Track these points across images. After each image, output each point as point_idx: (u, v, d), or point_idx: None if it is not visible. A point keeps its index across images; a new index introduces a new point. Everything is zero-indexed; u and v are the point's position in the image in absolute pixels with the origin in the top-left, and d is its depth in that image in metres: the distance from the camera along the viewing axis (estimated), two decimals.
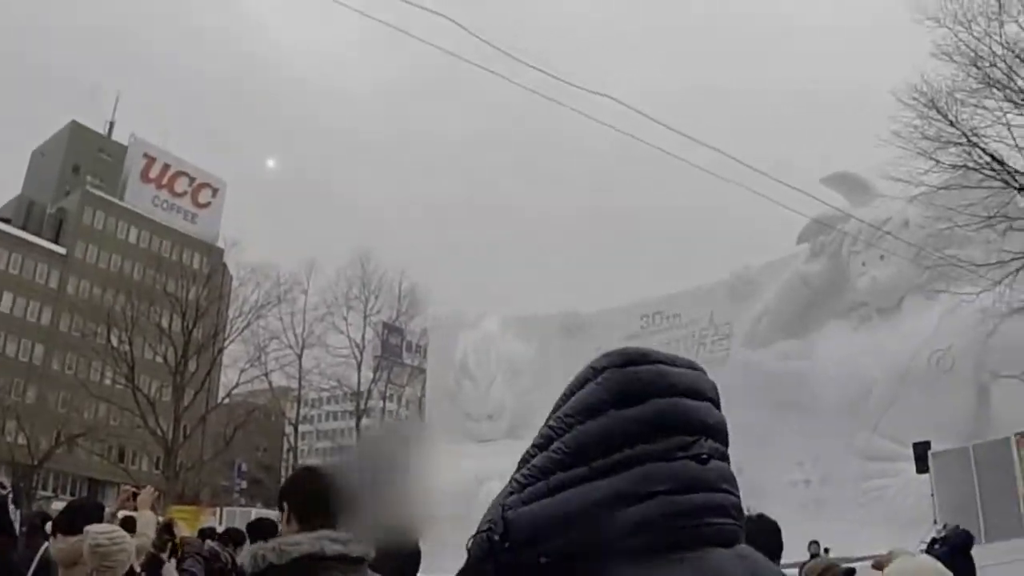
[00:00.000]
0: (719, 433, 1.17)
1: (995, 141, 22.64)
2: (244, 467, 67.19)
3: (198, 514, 32.23)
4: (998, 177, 22.57)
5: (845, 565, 6.32)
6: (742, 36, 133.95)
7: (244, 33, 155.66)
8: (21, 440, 54.99)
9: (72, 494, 56.09)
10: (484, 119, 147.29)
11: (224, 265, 64.15)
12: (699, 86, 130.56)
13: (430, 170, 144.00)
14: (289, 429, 65.08)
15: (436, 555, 4.12)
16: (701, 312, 40.12)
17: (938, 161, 23.04)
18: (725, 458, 1.16)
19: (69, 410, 61.19)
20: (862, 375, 32.09)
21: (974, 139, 22.69)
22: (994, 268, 22.60)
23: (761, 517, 4.67)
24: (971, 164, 23.00)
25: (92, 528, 5.05)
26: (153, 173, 79.62)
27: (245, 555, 3.31)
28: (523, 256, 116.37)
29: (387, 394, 66.29)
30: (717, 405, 1.19)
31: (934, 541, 14.81)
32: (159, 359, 53.93)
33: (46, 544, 6.18)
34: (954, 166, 23.31)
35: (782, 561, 5.09)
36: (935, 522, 19.31)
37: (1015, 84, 22.02)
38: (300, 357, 60.53)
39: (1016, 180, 22.49)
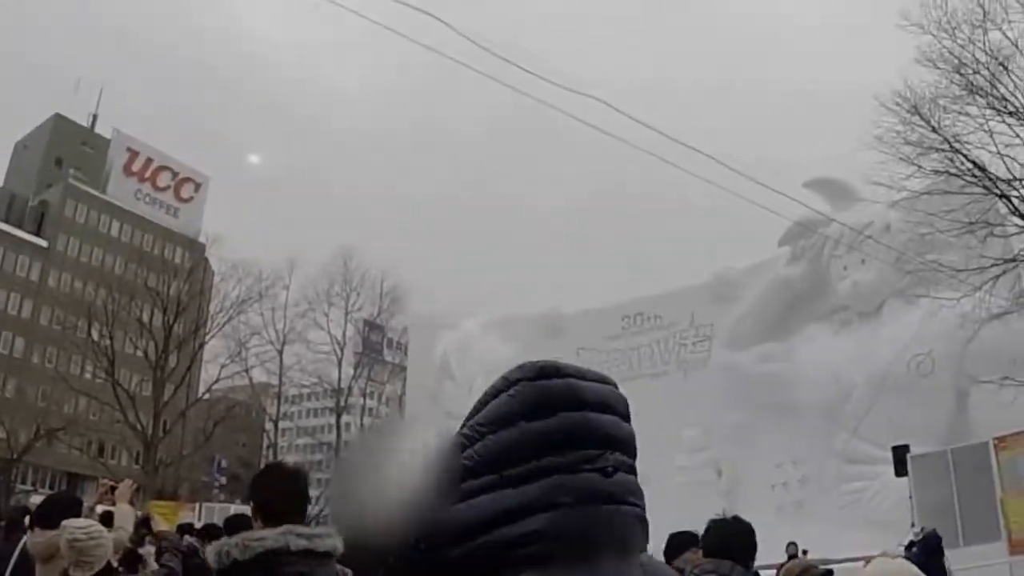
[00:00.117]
0: (626, 446, 1.19)
1: (977, 148, 22.74)
2: (224, 463, 67.02)
3: (177, 509, 32.06)
4: (979, 183, 22.66)
5: (823, 567, 6.34)
6: (742, 36, 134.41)
7: (232, 28, 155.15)
8: (0, 434, 54.70)
9: (51, 488, 55.83)
10: (471, 119, 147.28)
11: (206, 260, 63.90)
12: (699, 86, 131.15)
13: (415, 169, 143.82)
14: (269, 425, 64.79)
15: None
16: (682, 313, 40.16)
17: (920, 167, 23.12)
18: (632, 471, 1.19)
19: (49, 404, 60.80)
20: (842, 378, 32.27)
21: (956, 145, 22.77)
22: (974, 274, 22.69)
23: (736, 519, 4.72)
24: (953, 170, 23.08)
25: (69, 523, 5.04)
26: (136, 167, 79.23)
27: (210, 551, 3.30)
28: (505, 256, 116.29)
29: (367, 391, 66.15)
30: (626, 419, 1.21)
31: (911, 544, 14.90)
32: (139, 353, 53.65)
33: (25, 538, 6.17)
34: (936, 172, 23.38)
35: (760, 562, 5.12)
36: (913, 525, 19.42)
37: (998, 91, 22.11)
38: (281, 353, 60.37)
39: (997, 187, 22.59)
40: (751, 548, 4.67)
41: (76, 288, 65.89)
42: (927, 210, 24.08)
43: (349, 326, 63.97)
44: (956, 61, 22.34)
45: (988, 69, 22.10)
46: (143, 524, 6.97)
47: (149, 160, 79.85)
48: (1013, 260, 22.79)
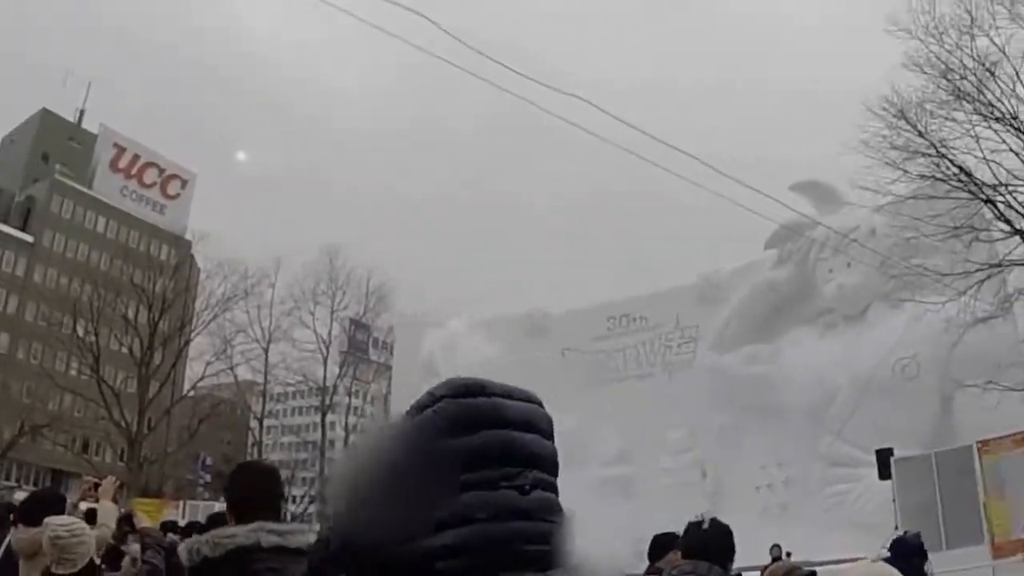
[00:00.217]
0: (547, 464, 1.22)
1: (963, 153, 22.83)
2: (208, 461, 66.82)
3: (161, 507, 31.99)
4: (965, 188, 22.76)
5: (807, 569, 6.35)
6: (742, 36, 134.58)
7: (231, 27, 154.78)
8: None
9: (35, 485, 55.49)
10: (463, 118, 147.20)
11: (192, 257, 63.78)
12: (699, 86, 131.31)
13: (406, 168, 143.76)
14: (254, 423, 64.67)
15: None
16: (668, 315, 40.17)
17: (906, 171, 23.22)
18: (552, 488, 1.21)
19: (33, 400, 60.48)
20: (827, 381, 32.37)
21: (942, 150, 22.86)
22: (959, 278, 22.77)
23: (714, 522, 4.76)
24: (939, 175, 23.18)
25: (52, 520, 5.03)
26: (122, 163, 78.84)
27: (181, 549, 3.29)
28: (492, 256, 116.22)
29: (353, 390, 66.08)
30: (549, 437, 1.24)
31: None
32: (124, 350, 53.51)
33: (9, 535, 6.15)
34: (922, 176, 23.49)
35: (745, 564, 5.14)
36: (896, 528, 19.48)
37: (984, 97, 22.22)
38: (266, 351, 60.27)
39: (983, 192, 22.68)
40: (729, 550, 4.73)
41: (62, 284, 65.62)
42: (913, 214, 24.17)
43: (335, 324, 64.02)
44: (943, 66, 22.45)
45: (975, 75, 22.21)
46: (126, 521, 6.94)
47: (136, 156, 79.48)
48: (998, 265, 22.88)
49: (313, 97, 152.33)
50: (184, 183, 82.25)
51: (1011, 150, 22.19)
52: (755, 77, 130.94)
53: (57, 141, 78.64)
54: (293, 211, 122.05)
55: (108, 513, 6.78)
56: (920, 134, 22.83)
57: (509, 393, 1.21)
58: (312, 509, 59.38)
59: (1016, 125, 22.06)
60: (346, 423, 62.58)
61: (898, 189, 23.99)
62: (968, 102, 22.36)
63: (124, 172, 78.79)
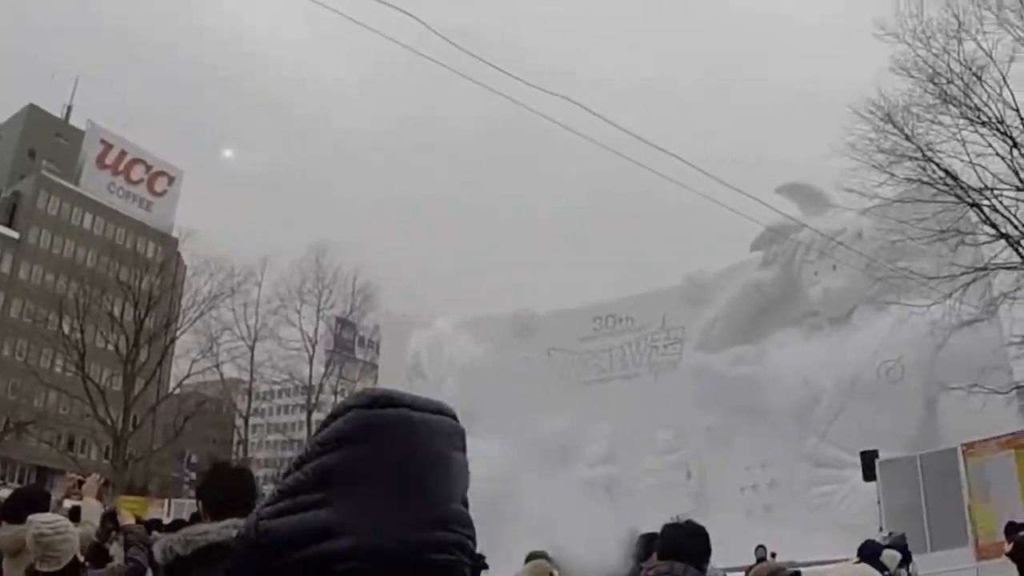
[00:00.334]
0: (452, 475, 1.25)
1: (949, 157, 22.89)
2: (194, 459, 66.67)
3: (147, 505, 31.94)
4: (951, 192, 22.83)
5: (791, 569, 6.37)
6: (742, 36, 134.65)
7: (221, 23, 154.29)
8: None
9: (20, 482, 55.30)
10: (456, 120, 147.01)
11: (178, 254, 63.68)
12: (699, 86, 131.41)
13: (396, 167, 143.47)
14: (240, 422, 64.66)
15: None
16: (654, 316, 40.19)
17: (892, 174, 23.28)
18: (457, 500, 1.25)
19: (19, 397, 60.36)
20: (812, 383, 32.45)
21: (929, 154, 22.93)
22: (944, 281, 22.85)
23: (689, 523, 4.83)
24: (925, 179, 23.26)
25: (36, 517, 5.01)
26: (109, 159, 78.64)
27: (156, 548, 3.29)
28: (479, 256, 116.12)
29: (339, 388, 65.98)
30: (458, 449, 1.27)
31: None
32: (110, 347, 53.43)
33: None
34: (908, 180, 23.57)
35: (730, 565, 5.17)
36: (880, 529, 19.56)
37: (971, 101, 22.29)
38: (252, 349, 60.30)
39: (969, 196, 22.76)
40: (704, 551, 4.80)
41: (47, 281, 65.35)
42: (899, 218, 24.25)
43: (321, 323, 64.12)
44: (930, 70, 22.52)
45: (962, 79, 22.28)
46: (110, 519, 6.92)
47: (123, 153, 79.28)
48: (983, 268, 22.95)
49: (308, 96, 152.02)
50: (171, 180, 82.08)
51: (997, 154, 22.29)
52: (755, 77, 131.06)
53: (44, 137, 78.43)
54: (282, 210, 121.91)
55: (92, 510, 6.76)
56: (907, 138, 22.90)
57: (418, 405, 1.24)
58: None
59: (1002, 129, 22.14)
60: None
61: (884, 192, 24.10)
62: (955, 106, 22.44)
63: (111, 169, 78.60)
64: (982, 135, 22.38)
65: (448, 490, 1.22)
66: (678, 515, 4.93)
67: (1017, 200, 22.53)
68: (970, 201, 22.83)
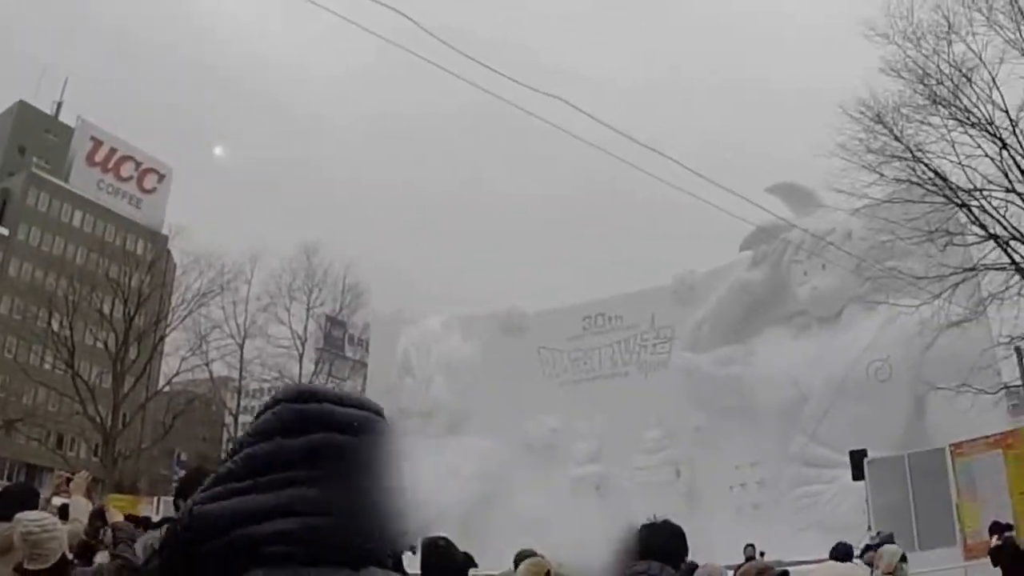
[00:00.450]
0: (375, 467, 1.31)
1: (939, 157, 22.96)
2: (183, 456, 66.58)
3: (136, 503, 31.85)
4: (940, 193, 22.89)
5: (779, 568, 6.39)
6: (744, 35, 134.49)
7: (210, 21, 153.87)
8: None
9: (9, 479, 55.17)
10: (444, 117, 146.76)
11: (168, 252, 63.58)
12: (700, 86, 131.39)
13: (387, 164, 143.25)
14: (229, 419, 64.52)
15: None
16: (643, 315, 40.20)
17: (882, 175, 23.35)
18: (381, 490, 1.31)
19: (7, 394, 60.22)
20: (801, 382, 32.50)
21: (918, 155, 23.00)
22: (933, 282, 22.90)
23: (666, 523, 4.86)
24: (915, 179, 23.34)
25: (23, 515, 4.99)
26: (99, 156, 78.37)
27: (138, 545, 3.29)
28: (469, 254, 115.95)
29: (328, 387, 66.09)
30: (376, 441, 1.32)
31: (867, 548, 15.03)
32: (99, 345, 53.38)
33: None
34: (898, 180, 23.64)
35: (725, 563, 5.18)
36: (869, 529, 19.62)
37: (961, 102, 22.36)
38: (242, 347, 60.25)
39: (958, 196, 22.82)
40: (682, 550, 4.87)
41: (37, 278, 65.20)
42: (888, 218, 24.31)
43: (311, 321, 64.05)
44: (920, 71, 22.60)
45: (952, 80, 22.36)
46: (98, 516, 6.92)
47: (113, 150, 79.04)
48: (972, 269, 23.02)
49: (299, 94, 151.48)
50: (161, 177, 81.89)
51: (986, 155, 22.35)
52: (745, 77, 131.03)
53: (34, 134, 78.14)
54: (272, 208, 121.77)
55: (80, 508, 6.75)
56: (896, 138, 22.98)
57: (341, 400, 1.33)
58: None
59: (992, 130, 22.21)
60: None
61: (874, 192, 24.15)
62: (944, 107, 22.52)
63: (101, 166, 78.38)
64: (971, 136, 22.47)
65: (368, 480, 1.28)
66: (654, 515, 4.95)
67: (1006, 201, 22.60)
68: (959, 202, 22.90)
